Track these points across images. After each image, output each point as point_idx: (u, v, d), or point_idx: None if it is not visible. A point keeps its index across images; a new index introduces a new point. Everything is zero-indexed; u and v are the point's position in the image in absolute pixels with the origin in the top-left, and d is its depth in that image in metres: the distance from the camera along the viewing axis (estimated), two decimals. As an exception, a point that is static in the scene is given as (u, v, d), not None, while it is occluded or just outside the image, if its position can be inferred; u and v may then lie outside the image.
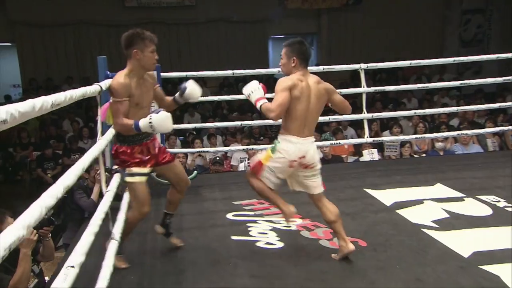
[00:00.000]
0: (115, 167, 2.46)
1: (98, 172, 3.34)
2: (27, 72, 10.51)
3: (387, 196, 3.54)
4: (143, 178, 2.41)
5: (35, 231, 2.33)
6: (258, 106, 2.36)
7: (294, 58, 2.40)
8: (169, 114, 2.28)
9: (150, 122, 2.23)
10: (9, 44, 10.97)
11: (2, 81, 11.41)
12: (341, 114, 2.88)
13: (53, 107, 1.39)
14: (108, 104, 2.40)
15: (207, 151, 5.15)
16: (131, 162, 2.40)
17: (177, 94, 2.56)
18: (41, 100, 1.28)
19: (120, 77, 2.31)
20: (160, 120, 2.23)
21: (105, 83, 2.38)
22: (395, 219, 3.09)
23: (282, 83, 2.35)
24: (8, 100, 10.16)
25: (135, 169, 2.39)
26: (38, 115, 1.27)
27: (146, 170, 2.43)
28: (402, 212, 3.21)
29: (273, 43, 12.96)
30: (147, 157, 2.43)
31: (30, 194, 6.06)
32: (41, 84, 10.23)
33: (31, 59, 10.53)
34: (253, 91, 2.40)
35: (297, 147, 2.37)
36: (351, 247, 2.46)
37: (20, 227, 1.04)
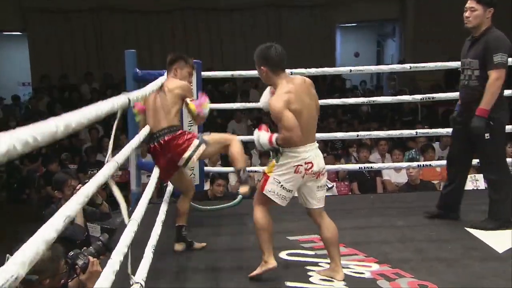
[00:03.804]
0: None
1: (76, 189, 3.46)
2: (39, 67, 11.18)
3: (499, 240, 3.39)
4: None
5: (96, 260, 2.30)
6: (274, 143, 2.74)
7: (262, 67, 2.75)
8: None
9: None
10: (19, 33, 11.73)
11: (9, 79, 12.16)
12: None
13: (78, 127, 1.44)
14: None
15: (255, 171, 5.16)
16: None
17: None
18: (62, 122, 1.28)
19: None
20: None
21: (134, 94, 2.45)
22: (512, 273, 2.96)
23: (275, 103, 2.68)
24: (16, 101, 10.79)
25: None
26: (61, 137, 1.31)
27: None
28: (523, 263, 3.06)
29: (341, 33, 12.90)
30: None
31: (38, 217, 6.35)
32: (54, 83, 10.82)
33: (43, 52, 11.19)
34: (260, 139, 2.81)
35: (301, 155, 2.72)
36: (340, 277, 2.77)
37: (12, 264, 1.08)
